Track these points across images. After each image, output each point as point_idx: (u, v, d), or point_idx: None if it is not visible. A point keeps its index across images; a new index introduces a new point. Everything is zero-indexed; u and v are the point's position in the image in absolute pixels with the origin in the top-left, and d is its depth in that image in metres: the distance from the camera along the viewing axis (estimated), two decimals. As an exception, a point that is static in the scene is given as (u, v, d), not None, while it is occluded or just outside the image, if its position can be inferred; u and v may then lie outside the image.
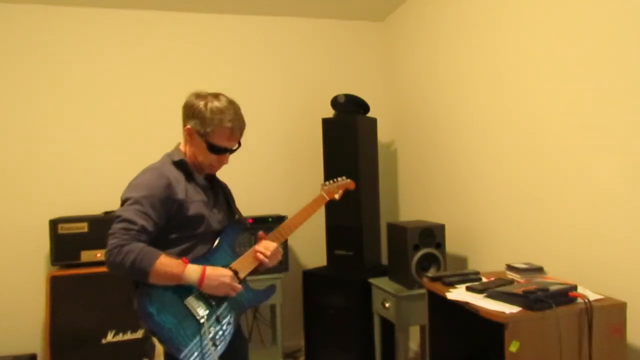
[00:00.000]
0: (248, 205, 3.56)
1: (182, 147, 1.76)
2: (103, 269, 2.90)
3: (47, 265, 3.19)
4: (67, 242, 2.95)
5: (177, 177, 1.66)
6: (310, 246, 3.67)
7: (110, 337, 2.91)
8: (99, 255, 2.97)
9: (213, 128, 1.65)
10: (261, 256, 1.72)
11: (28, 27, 3.25)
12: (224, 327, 1.63)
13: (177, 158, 1.70)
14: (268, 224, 3.23)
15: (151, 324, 1.52)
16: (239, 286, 1.64)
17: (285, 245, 3.23)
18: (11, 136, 3.22)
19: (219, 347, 1.59)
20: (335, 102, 3.32)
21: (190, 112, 1.69)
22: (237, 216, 1.89)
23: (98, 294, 2.91)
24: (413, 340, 3.42)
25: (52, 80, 3.29)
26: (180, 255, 1.61)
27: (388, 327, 3.06)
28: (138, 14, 3.44)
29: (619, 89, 1.76)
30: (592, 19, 1.87)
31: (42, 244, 3.15)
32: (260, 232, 1.83)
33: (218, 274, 1.59)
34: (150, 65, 3.46)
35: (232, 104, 1.71)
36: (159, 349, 1.51)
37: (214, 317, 1.61)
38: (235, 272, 1.67)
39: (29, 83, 3.26)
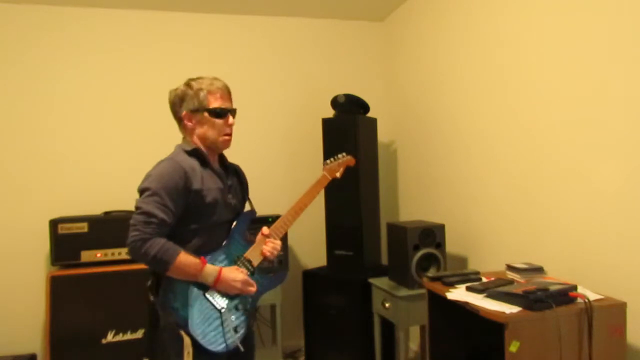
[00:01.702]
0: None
1: (187, 140, 1.79)
2: (103, 268, 2.95)
3: (47, 265, 3.19)
4: (67, 242, 2.95)
5: (193, 166, 1.70)
6: (310, 246, 3.67)
7: (110, 337, 2.91)
8: (99, 255, 2.98)
9: (203, 96, 1.72)
10: (268, 254, 1.82)
11: (28, 27, 3.25)
12: (243, 314, 1.73)
13: (189, 147, 1.73)
14: (268, 224, 3.22)
15: (177, 318, 1.61)
16: (253, 289, 1.74)
17: (285, 245, 3.23)
18: (11, 136, 3.22)
19: (240, 333, 1.70)
20: (335, 102, 3.32)
21: (177, 101, 1.76)
22: (248, 204, 1.96)
23: (98, 294, 2.91)
24: (413, 340, 3.42)
25: (52, 81, 3.29)
26: (197, 250, 1.67)
27: (388, 327, 3.05)
28: (138, 14, 3.44)
29: (619, 89, 1.76)
30: (592, 20, 1.87)
31: (42, 244, 3.15)
32: (264, 228, 1.88)
33: (231, 278, 1.68)
34: (150, 65, 3.46)
35: (209, 76, 1.79)
36: (187, 340, 1.59)
37: (233, 306, 1.70)
38: (249, 261, 1.78)
39: (29, 83, 3.25)
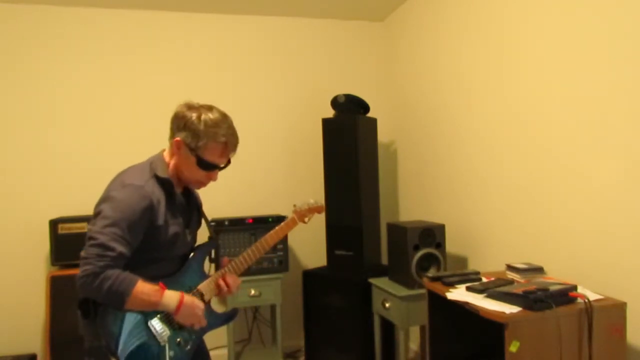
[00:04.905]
0: (248, 205, 3.56)
1: (166, 157, 1.67)
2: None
3: (47, 265, 3.19)
4: (67, 242, 2.95)
5: (159, 198, 1.58)
6: (310, 246, 3.67)
7: (110, 337, 2.91)
8: (99, 255, 2.97)
9: (206, 142, 1.57)
10: (225, 289, 1.74)
11: (28, 28, 3.25)
12: (184, 351, 1.62)
13: (161, 174, 1.60)
14: (268, 223, 3.23)
15: (112, 343, 1.47)
16: (204, 322, 1.64)
17: (285, 245, 3.23)
18: (11, 136, 3.22)
19: None
20: (335, 102, 3.32)
21: (181, 123, 1.59)
22: (209, 234, 1.85)
23: (98, 294, 2.90)
24: (413, 340, 3.42)
25: (52, 81, 3.29)
26: (150, 275, 1.54)
27: (388, 327, 3.06)
28: (137, 14, 3.44)
29: (619, 90, 1.76)
30: (592, 20, 1.87)
31: (42, 244, 3.15)
32: (225, 258, 1.82)
33: (194, 305, 1.58)
34: (150, 66, 3.46)
35: (226, 117, 1.63)
36: None
37: (175, 341, 1.59)
38: (202, 295, 1.68)
39: (29, 83, 3.25)
